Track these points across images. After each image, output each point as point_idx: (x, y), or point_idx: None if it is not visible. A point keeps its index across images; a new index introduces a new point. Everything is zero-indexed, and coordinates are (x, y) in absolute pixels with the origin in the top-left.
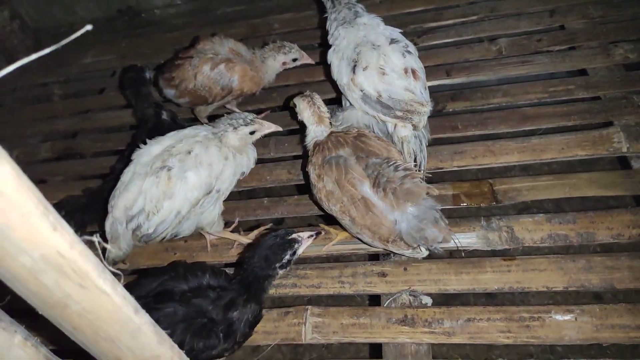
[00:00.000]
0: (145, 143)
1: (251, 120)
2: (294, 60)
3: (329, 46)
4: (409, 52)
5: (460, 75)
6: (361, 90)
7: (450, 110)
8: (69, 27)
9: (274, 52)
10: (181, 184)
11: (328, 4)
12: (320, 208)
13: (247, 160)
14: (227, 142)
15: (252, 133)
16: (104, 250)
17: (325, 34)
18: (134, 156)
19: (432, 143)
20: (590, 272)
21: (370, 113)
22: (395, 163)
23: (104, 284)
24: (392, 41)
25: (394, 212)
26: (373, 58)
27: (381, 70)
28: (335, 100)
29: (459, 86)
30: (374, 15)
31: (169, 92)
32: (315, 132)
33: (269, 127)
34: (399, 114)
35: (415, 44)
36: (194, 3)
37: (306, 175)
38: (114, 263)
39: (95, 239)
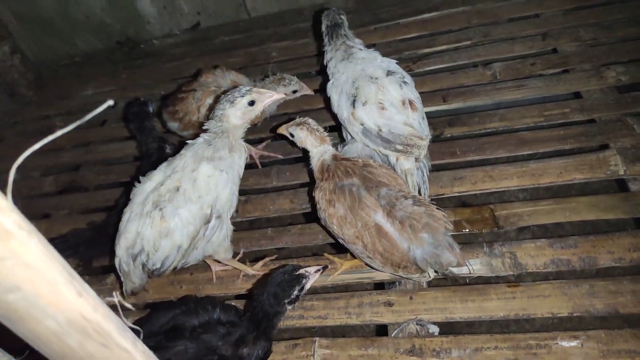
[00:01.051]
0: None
1: (247, 90)
2: (294, 92)
3: (327, 75)
4: (405, 82)
5: (456, 101)
6: (361, 125)
7: (448, 135)
8: (69, 60)
9: (274, 84)
10: (175, 222)
11: (326, 39)
12: (327, 232)
13: (239, 158)
14: (228, 126)
15: (251, 104)
16: (121, 283)
17: (322, 61)
18: (131, 195)
19: (432, 169)
20: (594, 297)
21: (371, 146)
22: (412, 197)
23: (125, 343)
24: (389, 73)
25: (410, 242)
26: (372, 92)
27: (380, 105)
28: (334, 128)
29: (455, 111)
30: (372, 49)
31: (173, 125)
32: (320, 152)
33: (270, 96)
34: (400, 147)
35: (410, 70)
36: (192, 33)
37: (312, 199)
38: (132, 293)
39: (116, 298)
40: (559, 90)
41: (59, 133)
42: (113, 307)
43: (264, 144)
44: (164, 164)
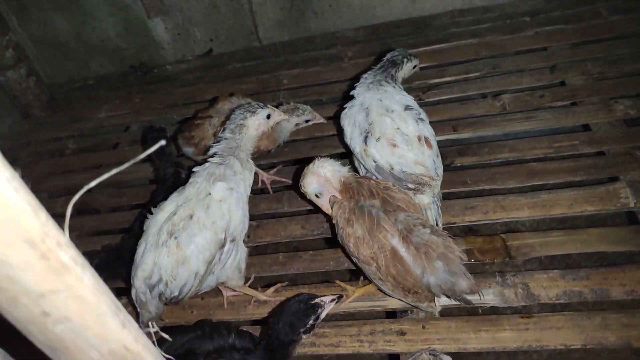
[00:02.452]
0: (152, 212)
1: (262, 105)
2: (307, 121)
3: (337, 103)
4: (422, 119)
5: (466, 131)
6: (374, 162)
7: (459, 165)
8: (82, 82)
9: (287, 114)
10: (191, 249)
11: (373, 69)
12: (341, 247)
13: (250, 173)
14: (244, 138)
15: (268, 117)
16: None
17: (333, 90)
18: (145, 227)
19: (443, 197)
20: (606, 329)
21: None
22: (430, 227)
23: None
24: (407, 108)
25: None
26: (386, 127)
27: (392, 142)
28: (345, 155)
29: (466, 141)
30: (401, 87)
31: (188, 150)
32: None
33: (280, 115)
34: (411, 186)
35: (420, 100)
36: (204, 59)
37: (327, 214)
38: (149, 323)
39: (152, 329)
40: (567, 122)
41: (113, 171)
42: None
43: (275, 169)
44: (175, 194)
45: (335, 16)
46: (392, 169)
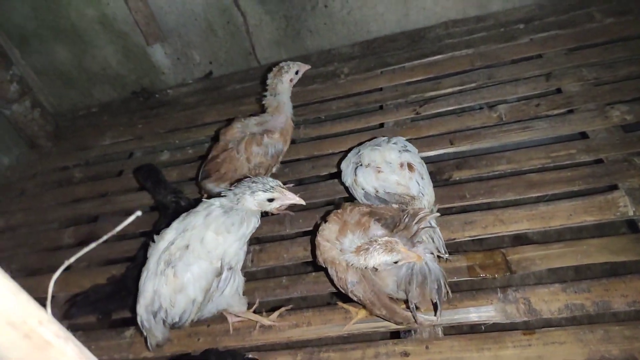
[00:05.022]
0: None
1: (271, 187)
2: (297, 73)
3: (335, 120)
4: (406, 150)
5: (463, 144)
6: (362, 189)
7: (457, 178)
8: (86, 110)
9: (277, 79)
10: (187, 277)
11: None
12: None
13: (247, 228)
14: (244, 206)
15: (270, 200)
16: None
17: (330, 108)
18: (148, 254)
19: (443, 213)
20: (609, 342)
21: None
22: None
23: None
24: (391, 141)
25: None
26: (374, 157)
27: (377, 169)
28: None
29: (463, 154)
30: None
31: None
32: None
33: (291, 199)
34: (395, 206)
35: (417, 113)
36: (204, 82)
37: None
38: (157, 346)
39: None
40: (564, 130)
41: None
42: None
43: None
44: (177, 221)
45: (331, 33)
46: (377, 191)
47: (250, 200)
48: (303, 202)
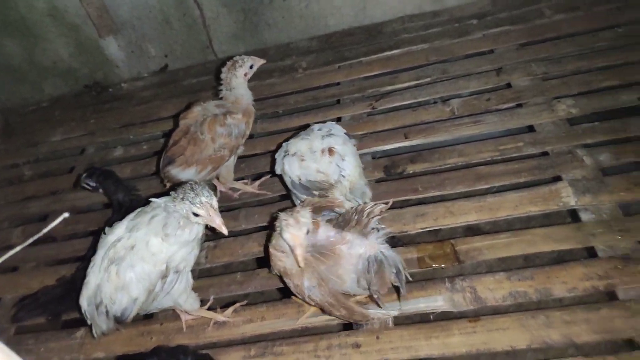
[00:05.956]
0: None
1: (200, 202)
2: (251, 67)
3: (292, 114)
4: (330, 135)
5: (418, 137)
6: (289, 178)
7: (411, 172)
8: (36, 105)
9: (231, 73)
10: (130, 276)
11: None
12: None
13: (189, 234)
14: (180, 210)
15: (195, 215)
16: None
17: (288, 102)
18: (98, 246)
19: (396, 206)
20: (550, 327)
21: (300, 197)
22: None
23: None
24: (316, 128)
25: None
26: (300, 146)
27: (301, 157)
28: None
29: (417, 148)
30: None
31: (189, 173)
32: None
33: (215, 223)
34: (316, 193)
35: (373, 108)
36: (160, 75)
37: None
38: (103, 335)
39: None
40: (513, 124)
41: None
42: None
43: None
44: (128, 218)
45: (289, 27)
46: (300, 179)
47: (180, 208)
48: (225, 232)
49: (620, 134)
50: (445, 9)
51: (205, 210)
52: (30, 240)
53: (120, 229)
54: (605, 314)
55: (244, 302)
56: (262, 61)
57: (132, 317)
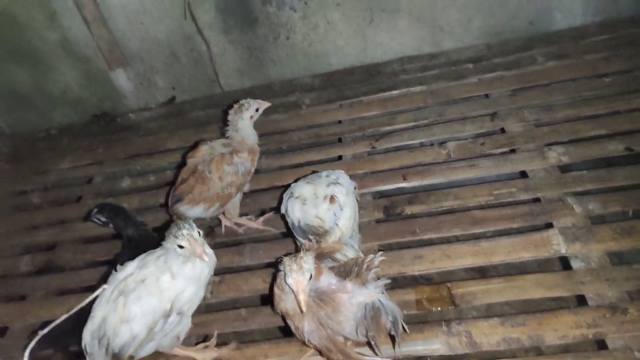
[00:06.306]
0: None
1: (182, 234)
2: (257, 110)
3: (296, 152)
4: (337, 183)
5: (415, 179)
6: (290, 219)
7: (409, 213)
8: (45, 133)
9: (238, 116)
10: (135, 309)
11: None
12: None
13: (191, 269)
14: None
15: (180, 247)
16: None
17: (292, 138)
18: (108, 282)
19: (394, 247)
20: None
21: (298, 239)
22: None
23: None
24: (324, 175)
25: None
26: (304, 191)
27: (303, 201)
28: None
29: (414, 189)
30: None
31: (197, 211)
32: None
33: (197, 253)
34: (311, 237)
35: (373, 147)
36: (167, 107)
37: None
38: None
39: None
40: (506, 169)
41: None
42: None
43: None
44: (140, 257)
45: (292, 64)
46: (300, 222)
47: (169, 242)
48: (205, 260)
49: (607, 183)
50: (442, 52)
51: (187, 241)
52: (75, 310)
53: (131, 267)
54: None
55: (235, 345)
56: (267, 104)
57: (128, 357)
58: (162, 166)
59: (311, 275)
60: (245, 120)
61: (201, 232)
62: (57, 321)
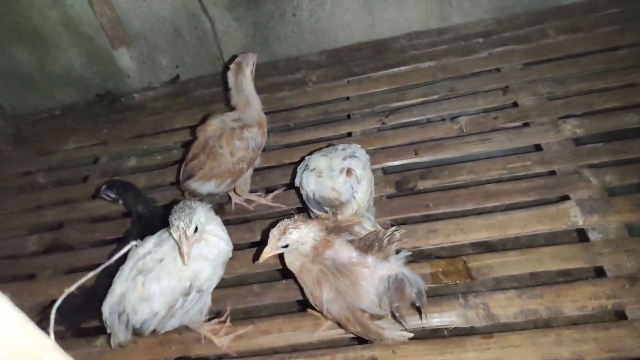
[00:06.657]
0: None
1: (175, 226)
2: (253, 63)
3: (304, 128)
4: (353, 156)
5: (427, 154)
6: (305, 191)
7: (422, 188)
8: (48, 113)
9: (241, 75)
10: (154, 289)
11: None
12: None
13: (217, 240)
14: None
15: (195, 230)
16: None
17: (299, 115)
18: (129, 256)
19: (408, 222)
20: (560, 345)
21: (313, 211)
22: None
23: None
24: (340, 148)
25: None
26: (320, 163)
27: (319, 174)
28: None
29: (427, 164)
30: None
31: (209, 187)
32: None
33: (182, 250)
34: (327, 209)
35: (383, 123)
36: (171, 86)
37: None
38: (119, 346)
39: None
40: (520, 143)
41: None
42: None
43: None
44: (158, 233)
45: (299, 41)
46: (314, 194)
47: (181, 225)
48: (185, 263)
49: (623, 156)
50: (450, 27)
51: (177, 235)
52: (102, 267)
53: (149, 244)
54: (614, 333)
55: (249, 328)
56: (255, 56)
57: (149, 332)
58: (168, 145)
59: (287, 245)
60: (247, 77)
61: (198, 227)
62: (83, 280)
